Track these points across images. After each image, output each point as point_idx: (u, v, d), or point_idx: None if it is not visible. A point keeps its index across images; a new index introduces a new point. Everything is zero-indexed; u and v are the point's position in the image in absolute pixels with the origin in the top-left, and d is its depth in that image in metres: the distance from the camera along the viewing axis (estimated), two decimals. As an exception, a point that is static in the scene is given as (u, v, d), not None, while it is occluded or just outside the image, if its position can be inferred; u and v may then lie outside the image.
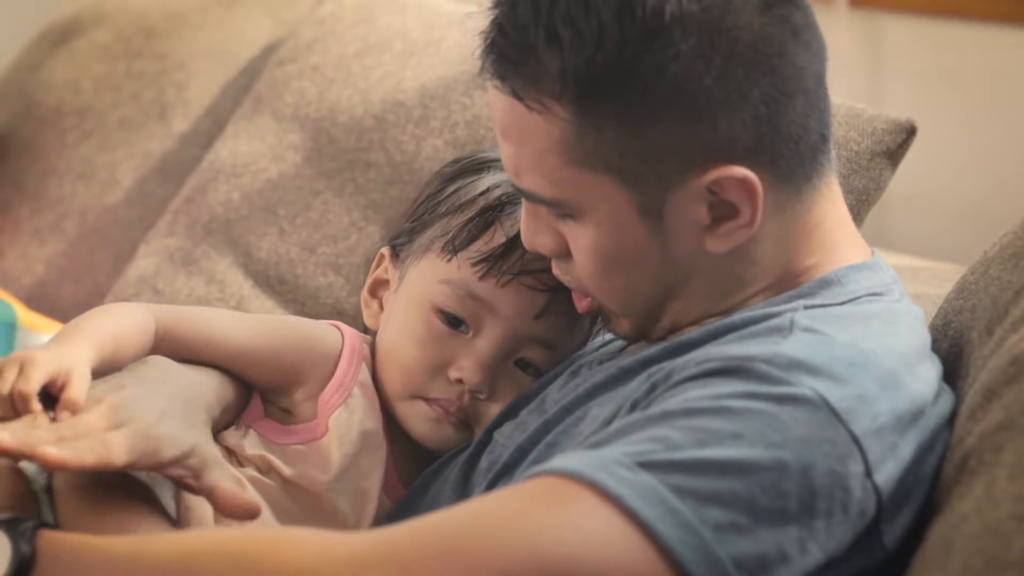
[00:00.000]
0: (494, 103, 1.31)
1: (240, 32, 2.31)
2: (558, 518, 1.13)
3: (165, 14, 2.38)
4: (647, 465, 1.15)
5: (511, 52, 1.27)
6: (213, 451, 1.33)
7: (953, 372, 1.34)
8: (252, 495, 1.36)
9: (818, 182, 1.31)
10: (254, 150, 2.07)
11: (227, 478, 1.32)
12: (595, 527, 1.13)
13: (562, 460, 1.18)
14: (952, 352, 1.37)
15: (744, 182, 1.26)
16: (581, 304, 1.37)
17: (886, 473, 1.20)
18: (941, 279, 1.70)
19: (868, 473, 1.18)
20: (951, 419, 1.29)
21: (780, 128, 1.27)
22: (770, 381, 1.19)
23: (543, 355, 1.45)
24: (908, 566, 1.21)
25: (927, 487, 1.24)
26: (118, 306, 1.42)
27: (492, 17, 1.29)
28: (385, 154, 1.97)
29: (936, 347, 1.36)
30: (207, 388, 1.39)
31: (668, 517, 1.13)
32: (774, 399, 1.18)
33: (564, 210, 1.31)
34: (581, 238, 1.31)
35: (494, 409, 1.44)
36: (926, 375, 1.28)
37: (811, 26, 1.29)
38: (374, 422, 1.45)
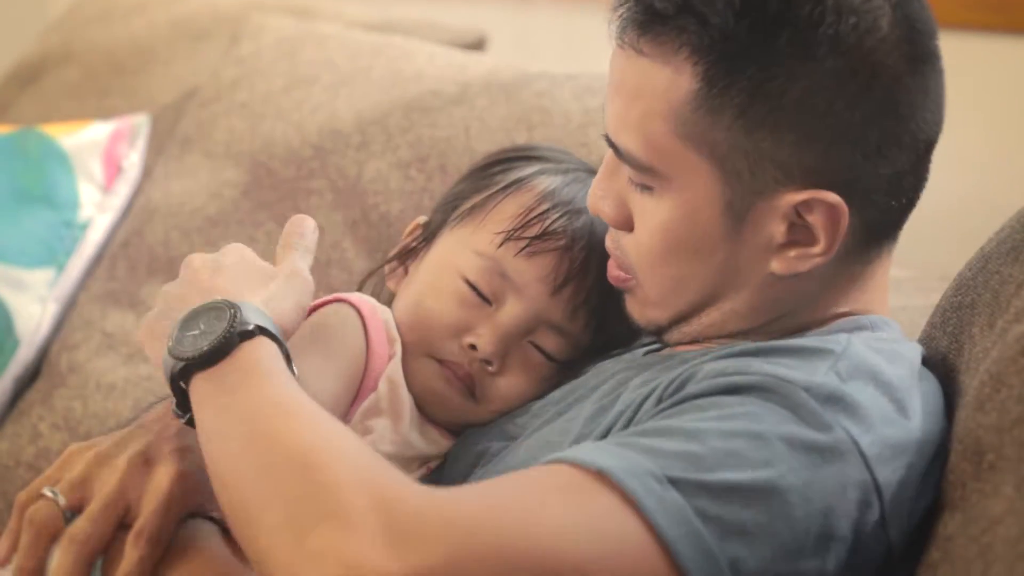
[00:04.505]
0: (617, 58, 1.28)
1: (209, 65, 2.28)
2: (577, 515, 1.11)
3: (133, 50, 2.37)
4: (677, 482, 1.13)
5: (664, 6, 1.24)
6: None
7: (953, 368, 1.32)
8: None
9: (889, 245, 1.32)
10: (187, 188, 2.04)
11: None
12: (614, 530, 1.11)
13: (588, 452, 1.15)
14: (952, 348, 1.35)
15: (833, 209, 1.24)
16: (614, 274, 1.35)
17: (897, 511, 1.19)
18: (926, 290, 1.69)
19: (883, 519, 1.18)
20: (945, 413, 1.27)
21: (882, 176, 1.26)
22: (808, 422, 1.17)
23: (557, 342, 1.46)
24: (919, 563, 1.19)
25: (935, 484, 1.23)
26: None
27: None
28: (327, 180, 1.96)
29: (935, 344, 1.36)
30: None
31: (689, 540, 1.11)
32: (810, 448, 1.16)
33: (649, 179, 1.28)
34: (655, 215, 1.29)
35: (501, 384, 1.45)
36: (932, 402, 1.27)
37: (940, 96, 1.29)
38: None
